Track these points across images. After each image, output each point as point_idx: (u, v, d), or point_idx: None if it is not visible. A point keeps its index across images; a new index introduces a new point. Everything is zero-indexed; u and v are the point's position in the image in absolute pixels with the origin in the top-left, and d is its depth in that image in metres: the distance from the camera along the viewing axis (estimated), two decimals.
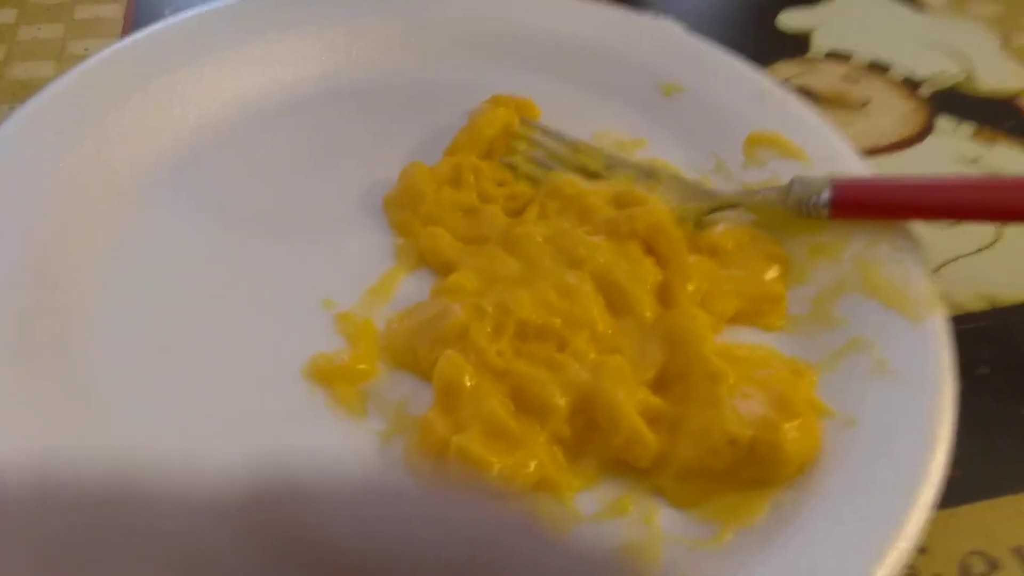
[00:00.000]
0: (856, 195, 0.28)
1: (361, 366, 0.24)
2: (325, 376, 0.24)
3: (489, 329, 0.24)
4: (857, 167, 0.30)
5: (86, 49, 0.35)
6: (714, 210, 0.29)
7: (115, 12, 0.37)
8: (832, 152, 0.30)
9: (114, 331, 0.25)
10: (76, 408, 0.23)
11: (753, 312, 0.27)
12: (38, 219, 0.26)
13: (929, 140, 0.36)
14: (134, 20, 0.36)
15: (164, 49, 0.31)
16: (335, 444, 0.23)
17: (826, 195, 0.27)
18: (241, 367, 0.24)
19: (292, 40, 0.33)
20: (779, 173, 0.30)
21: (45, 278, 0.25)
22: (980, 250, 0.31)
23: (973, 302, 0.29)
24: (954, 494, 0.23)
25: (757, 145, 0.31)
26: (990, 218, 0.30)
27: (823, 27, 0.41)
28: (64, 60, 0.34)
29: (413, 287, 0.27)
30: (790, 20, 0.42)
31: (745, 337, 0.26)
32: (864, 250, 0.27)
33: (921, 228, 0.28)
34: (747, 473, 0.22)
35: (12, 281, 0.25)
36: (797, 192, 0.28)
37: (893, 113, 0.37)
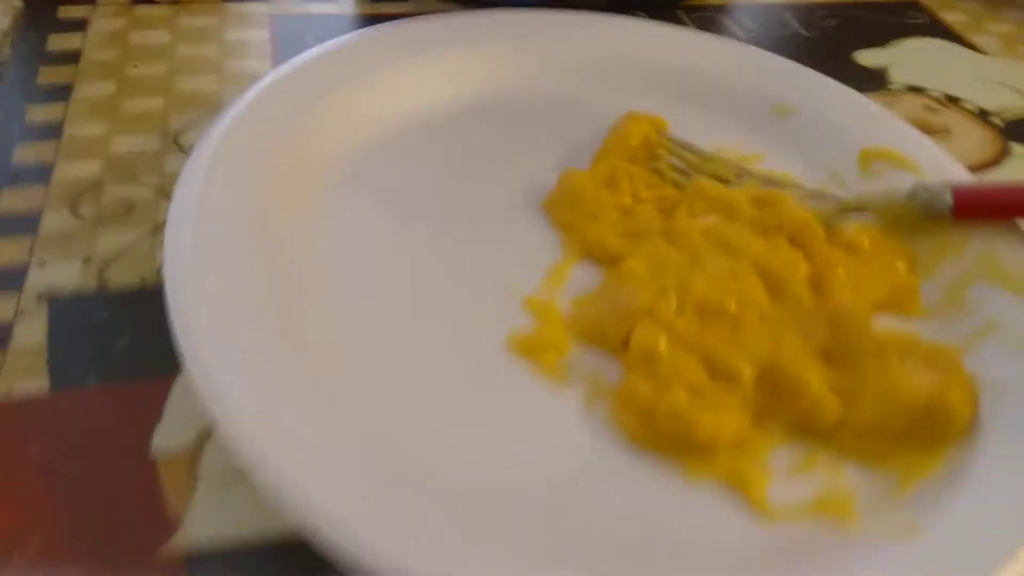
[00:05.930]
0: (975, 198, 0.31)
1: (556, 340, 0.27)
2: (528, 349, 0.26)
3: (673, 306, 0.26)
4: (965, 177, 0.33)
5: (240, 69, 0.37)
6: (843, 212, 0.32)
7: (261, 36, 0.40)
8: (941, 164, 0.33)
9: (322, 311, 0.27)
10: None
11: (892, 301, 0.29)
12: (251, 204, 0.28)
13: (1007, 163, 0.39)
14: (279, 44, 0.39)
15: (339, 66, 0.33)
16: (544, 408, 0.25)
17: (948, 199, 0.30)
18: (449, 343, 0.26)
19: (449, 62, 0.36)
20: (894, 184, 0.33)
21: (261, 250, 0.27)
22: None
23: None
24: None
25: (873, 159, 0.34)
26: None
27: (895, 65, 0.45)
28: (224, 76, 0.37)
29: (580, 276, 0.29)
30: (865, 59, 0.45)
31: (887, 324, 0.29)
32: (984, 246, 0.30)
33: None
34: (920, 433, 0.25)
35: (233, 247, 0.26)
36: (921, 197, 0.31)
37: (972, 139, 0.40)
